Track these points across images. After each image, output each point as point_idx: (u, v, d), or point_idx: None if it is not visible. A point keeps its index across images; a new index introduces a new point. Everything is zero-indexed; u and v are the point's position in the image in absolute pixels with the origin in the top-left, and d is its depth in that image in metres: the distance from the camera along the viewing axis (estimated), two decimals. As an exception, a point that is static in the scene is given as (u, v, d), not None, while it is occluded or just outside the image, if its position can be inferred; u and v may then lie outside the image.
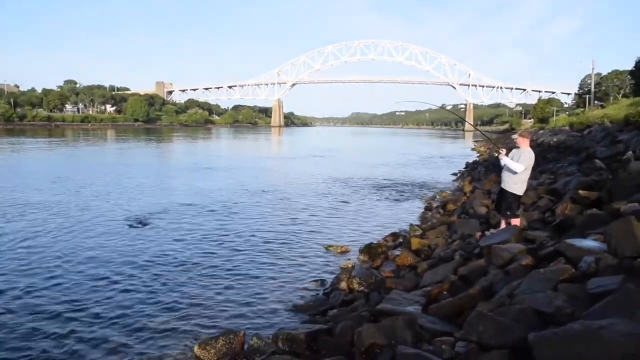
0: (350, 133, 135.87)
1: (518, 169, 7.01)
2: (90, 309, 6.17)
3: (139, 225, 11.03)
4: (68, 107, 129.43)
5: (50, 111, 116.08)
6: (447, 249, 7.41)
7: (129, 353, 5.11)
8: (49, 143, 46.33)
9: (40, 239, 9.52)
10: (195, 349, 5.03)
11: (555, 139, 28.75)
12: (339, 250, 9.33)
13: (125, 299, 6.57)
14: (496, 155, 7.73)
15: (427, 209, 13.98)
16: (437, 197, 16.22)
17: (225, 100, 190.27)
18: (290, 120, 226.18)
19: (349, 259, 8.74)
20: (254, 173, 24.24)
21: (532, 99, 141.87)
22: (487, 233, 7.51)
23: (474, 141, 68.80)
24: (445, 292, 5.14)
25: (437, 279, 5.83)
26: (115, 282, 7.20)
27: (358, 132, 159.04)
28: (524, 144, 7.21)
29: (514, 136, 7.98)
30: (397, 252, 8.16)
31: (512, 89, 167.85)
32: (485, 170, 20.17)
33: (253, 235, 10.59)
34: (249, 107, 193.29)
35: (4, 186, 16.77)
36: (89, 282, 7.11)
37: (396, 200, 16.23)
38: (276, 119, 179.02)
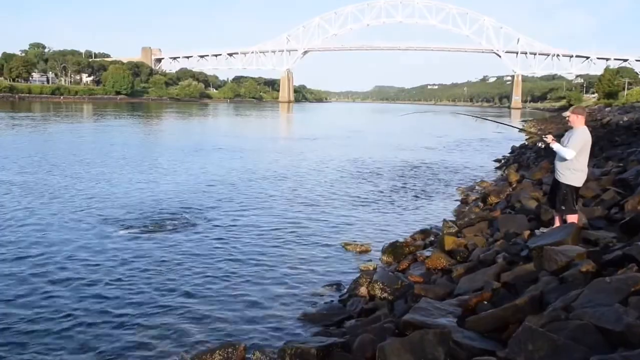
0: (373, 110, 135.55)
1: (568, 155, 6.86)
2: (66, 314, 6.27)
3: (125, 220, 11.13)
4: (35, 75, 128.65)
5: (13, 80, 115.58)
6: (487, 250, 7.34)
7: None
8: (10, 118, 46.85)
9: (15, 238, 9.67)
10: (187, 363, 5.07)
11: (625, 118, 28.20)
12: (358, 250, 9.35)
13: (107, 304, 6.65)
14: (541, 145, 7.60)
15: (464, 202, 13.93)
16: (476, 187, 16.14)
17: (224, 70, 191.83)
18: (302, 95, 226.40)
19: (370, 260, 8.76)
20: (259, 157, 24.39)
21: (596, 69, 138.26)
22: (537, 232, 7.41)
23: (522, 120, 67.96)
24: (485, 302, 5.09)
25: (476, 286, 5.77)
26: (94, 284, 7.29)
27: (382, 109, 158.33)
28: (578, 123, 7.05)
29: (566, 114, 7.81)
30: (427, 252, 8.14)
31: (571, 56, 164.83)
32: (536, 156, 19.93)
33: (256, 231, 10.66)
34: (252, 78, 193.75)
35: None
36: (67, 286, 7.21)
37: (426, 191, 16.17)
38: (285, 93, 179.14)
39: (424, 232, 10.01)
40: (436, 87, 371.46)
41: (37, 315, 6.23)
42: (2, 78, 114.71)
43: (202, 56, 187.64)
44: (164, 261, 8.42)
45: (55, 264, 8.14)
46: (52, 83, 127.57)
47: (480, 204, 12.60)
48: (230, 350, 5.07)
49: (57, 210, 11.82)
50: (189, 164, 21.12)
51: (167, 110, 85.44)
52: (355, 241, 9.85)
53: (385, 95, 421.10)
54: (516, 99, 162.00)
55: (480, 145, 33.94)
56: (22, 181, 15.53)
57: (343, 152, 27.25)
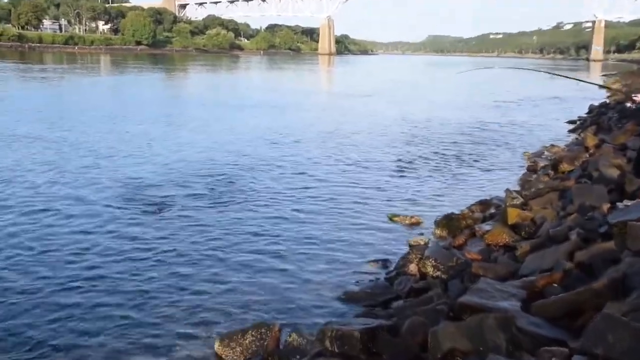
0: (426, 64, 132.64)
1: None
2: (93, 292, 6.50)
3: (151, 190, 11.35)
4: (46, 23, 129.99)
5: (22, 28, 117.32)
6: (558, 225, 7.16)
7: (131, 349, 5.36)
8: (20, 71, 48.07)
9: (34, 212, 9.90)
10: (216, 345, 5.19)
11: None
12: (407, 222, 9.37)
13: (131, 280, 6.86)
14: (630, 105, 7.26)
15: (531, 169, 13.69)
16: (545, 153, 15.83)
17: (256, 18, 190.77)
18: (344, 46, 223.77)
19: (421, 234, 8.76)
20: (297, 116, 24.52)
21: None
22: (619, 205, 7.17)
23: (604, 75, 65.24)
24: (555, 285, 5.00)
25: (544, 265, 5.68)
26: (119, 261, 7.50)
27: (436, 62, 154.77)
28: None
29: None
30: (487, 226, 8.06)
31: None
32: (619, 116, 19.15)
33: (293, 200, 10.78)
34: (288, 27, 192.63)
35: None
36: (91, 263, 7.43)
37: (487, 156, 15.94)
38: (325, 44, 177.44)
39: (484, 204, 9.90)
40: (500, 36, 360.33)
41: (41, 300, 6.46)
42: (9, 25, 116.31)
43: (231, 1, 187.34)
44: (192, 234, 8.60)
45: (75, 236, 8.45)
46: (65, 31, 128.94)
47: (550, 172, 12.37)
48: (263, 330, 5.15)
49: (74, 179, 12.15)
50: (219, 123, 21.43)
51: (193, 62, 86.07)
52: (404, 212, 9.83)
53: (439, 46, 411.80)
54: (597, 49, 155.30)
55: (551, 104, 32.95)
56: (38, 141, 16.07)
57: (391, 111, 27.00)
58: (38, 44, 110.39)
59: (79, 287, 6.60)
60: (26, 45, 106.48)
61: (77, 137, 17.10)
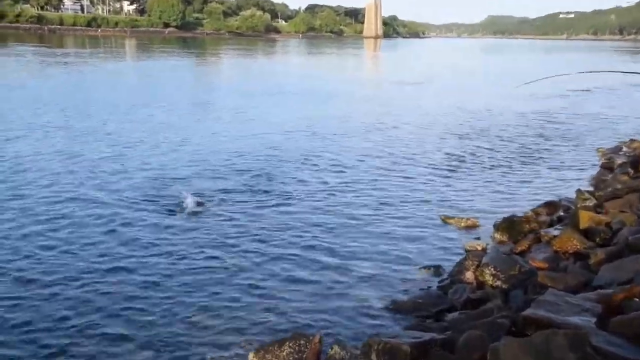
0: (485, 48, 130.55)
1: None
2: (117, 297, 6.65)
3: (179, 185, 11.51)
4: (67, 3, 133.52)
5: (41, 9, 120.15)
6: (639, 232, 6.98)
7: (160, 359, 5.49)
8: (39, 55, 49.36)
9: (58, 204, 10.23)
10: (251, 356, 5.26)
11: None
12: (463, 224, 9.33)
13: (158, 285, 7.00)
14: None
15: (606, 167, 13.39)
16: (624, 149, 15.46)
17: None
18: (392, 29, 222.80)
19: (478, 238, 8.72)
20: (340, 106, 24.60)
21: None
22: None
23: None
24: (637, 299, 4.87)
25: (622, 277, 5.58)
26: (144, 264, 7.66)
27: (497, 46, 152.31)
28: None
29: None
30: (555, 231, 7.96)
31: None
32: None
33: (336, 199, 10.82)
34: (330, 7, 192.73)
35: None
36: (113, 265, 7.59)
37: (554, 152, 15.67)
38: (371, 26, 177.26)
39: (551, 205, 9.74)
40: (571, 15, 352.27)
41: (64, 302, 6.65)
42: (28, 5, 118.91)
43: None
44: (224, 235, 8.71)
45: (96, 235, 8.66)
46: (87, 12, 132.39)
47: (630, 171, 12.00)
48: (302, 342, 5.19)
49: (98, 170, 12.47)
50: (254, 113, 21.68)
51: (226, 47, 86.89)
52: (458, 214, 9.79)
53: (500, 27, 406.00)
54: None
55: (630, 92, 31.99)
56: (59, 130, 16.54)
57: (444, 101, 26.81)
58: (58, 26, 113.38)
59: (102, 290, 6.76)
60: (45, 28, 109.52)
61: (101, 126, 17.58)
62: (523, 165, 13.95)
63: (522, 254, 7.59)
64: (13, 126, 16.96)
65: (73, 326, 5.93)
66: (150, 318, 6.16)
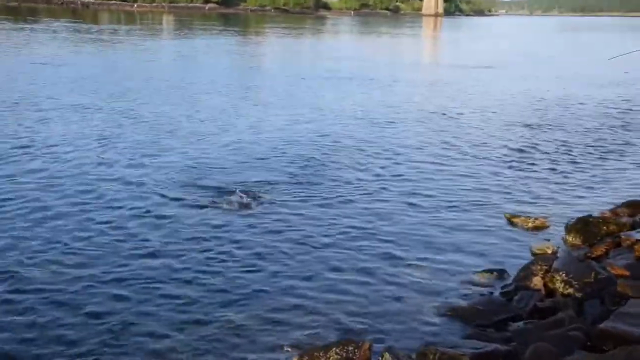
0: (563, 28, 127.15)
1: None
2: (153, 297, 6.76)
3: (219, 175, 11.64)
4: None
5: None
6: None
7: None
8: (73, 32, 50.27)
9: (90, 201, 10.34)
10: (295, 361, 5.35)
11: None
12: (530, 224, 9.22)
13: (197, 284, 7.09)
14: None
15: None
16: None
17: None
18: (455, 6, 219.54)
19: (548, 240, 8.61)
20: (396, 90, 24.52)
21: None
22: None
23: None
24: None
25: None
26: (182, 261, 7.76)
27: (576, 25, 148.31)
28: None
29: None
30: (638, 235, 7.76)
31: None
32: None
33: (388, 192, 10.83)
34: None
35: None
36: (147, 262, 7.73)
37: (638, 146, 15.30)
38: (431, 2, 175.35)
39: (634, 205, 9.46)
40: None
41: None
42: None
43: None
44: (267, 230, 8.80)
45: (127, 229, 8.84)
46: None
47: None
48: (350, 348, 5.20)
49: (131, 157, 12.74)
50: (302, 98, 21.74)
51: (271, 24, 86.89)
52: (525, 213, 9.69)
53: (580, 3, 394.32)
54: None
55: None
56: (92, 113, 16.93)
57: (514, 87, 26.34)
58: (92, 1, 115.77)
59: (136, 288, 6.91)
60: (79, 2, 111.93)
61: (139, 108, 17.96)
62: (602, 160, 13.68)
63: (598, 259, 7.44)
64: (48, 107, 17.43)
65: (108, 322, 6.11)
66: (189, 317, 6.29)
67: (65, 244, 8.01)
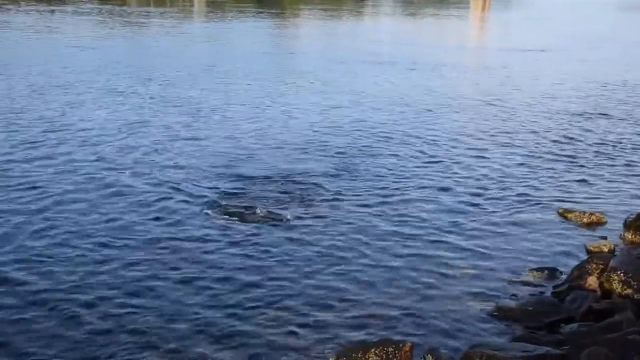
0: (626, 7, 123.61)
1: None
2: (184, 296, 6.76)
3: (252, 165, 11.58)
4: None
5: None
6: None
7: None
8: (102, 15, 50.41)
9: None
10: (332, 361, 5.27)
11: None
12: (584, 220, 9.12)
13: (229, 283, 7.07)
14: None
15: None
16: None
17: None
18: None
19: (605, 238, 8.46)
20: (439, 79, 24.14)
21: None
22: None
23: None
24: None
25: None
26: (212, 259, 7.71)
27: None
28: None
29: None
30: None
31: None
32: None
33: (431, 186, 10.70)
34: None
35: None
36: (172, 262, 7.66)
37: None
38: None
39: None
40: None
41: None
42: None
43: None
44: (302, 227, 8.72)
45: (149, 226, 8.74)
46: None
47: None
48: (390, 349, 5.14)
49: (159, 145, 12.73)
50: (340, 84, 21.55)
51: (307, 6, 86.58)
52: (580, 208, 9.55)
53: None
54: None
55: None
56: (121, 97, 17.18)
57: (569, 73, 25.73)
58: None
59: (166, 290, 6.88)
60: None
61: (170, 94, 18.01)
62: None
63: (660, 258, 7.24)
64: (78, 91, 17.72)
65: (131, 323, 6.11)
66: (229, 312, 6.33)
67: (89, 235, 8.11)
